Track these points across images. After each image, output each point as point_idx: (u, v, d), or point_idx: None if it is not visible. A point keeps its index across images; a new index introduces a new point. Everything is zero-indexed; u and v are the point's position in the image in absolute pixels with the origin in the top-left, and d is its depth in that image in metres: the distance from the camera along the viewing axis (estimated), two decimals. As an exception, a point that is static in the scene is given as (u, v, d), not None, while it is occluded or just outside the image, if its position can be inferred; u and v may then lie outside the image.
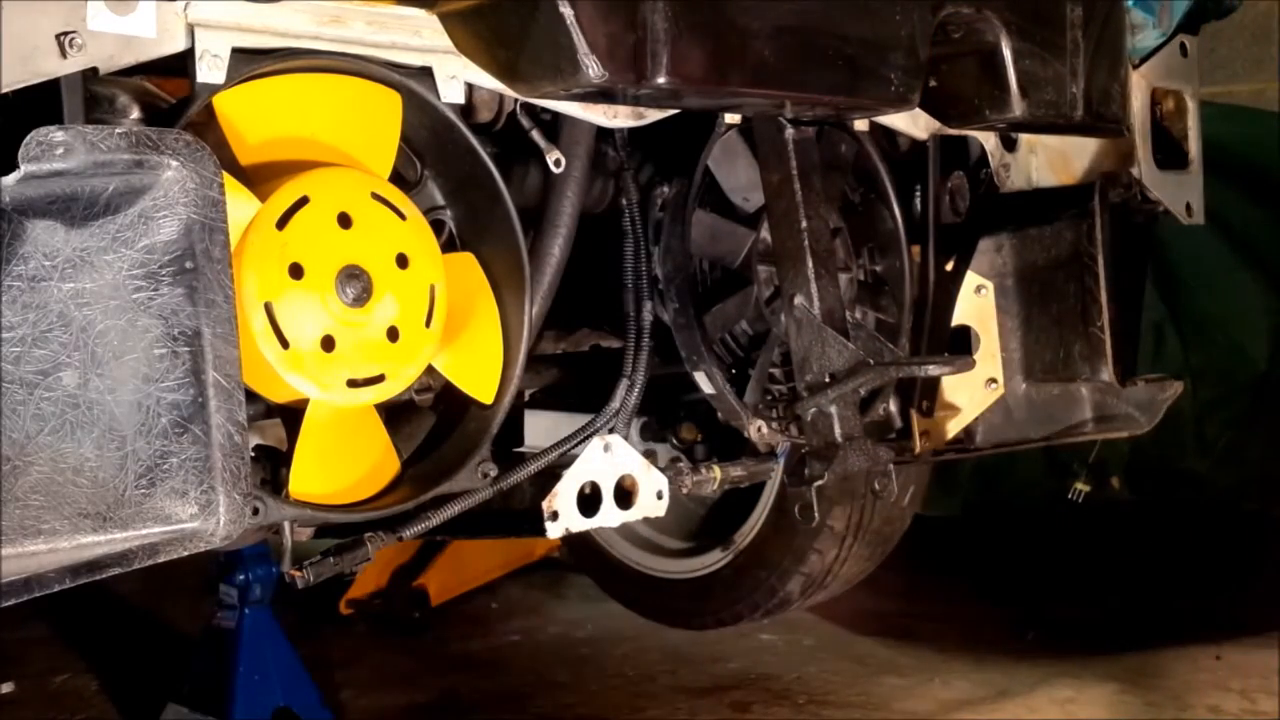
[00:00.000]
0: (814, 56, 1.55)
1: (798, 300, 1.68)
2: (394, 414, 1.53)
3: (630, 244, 1.73)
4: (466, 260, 1.55)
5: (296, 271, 1.34)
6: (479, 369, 1.54)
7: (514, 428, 1.70)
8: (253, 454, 1.38)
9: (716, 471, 1.78)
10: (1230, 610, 3.11)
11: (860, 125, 1.87)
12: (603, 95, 1.51)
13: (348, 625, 3.26)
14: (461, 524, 1.55)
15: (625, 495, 1.66)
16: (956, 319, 2.05)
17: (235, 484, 1.14)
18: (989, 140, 2.02)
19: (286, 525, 1.39)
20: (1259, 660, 2.73)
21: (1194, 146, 2.23)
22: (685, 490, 1.74)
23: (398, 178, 1.49)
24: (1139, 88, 2.12)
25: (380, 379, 1.40)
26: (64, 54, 1.19)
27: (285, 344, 1.33)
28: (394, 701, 2.76)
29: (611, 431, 1.68)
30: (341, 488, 1.44)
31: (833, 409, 1.67)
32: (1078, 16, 1.80)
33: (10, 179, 1.08)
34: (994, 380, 2.08)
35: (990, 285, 2.07)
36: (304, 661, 2.61)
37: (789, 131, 1.70)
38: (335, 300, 1.36)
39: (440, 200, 1.59)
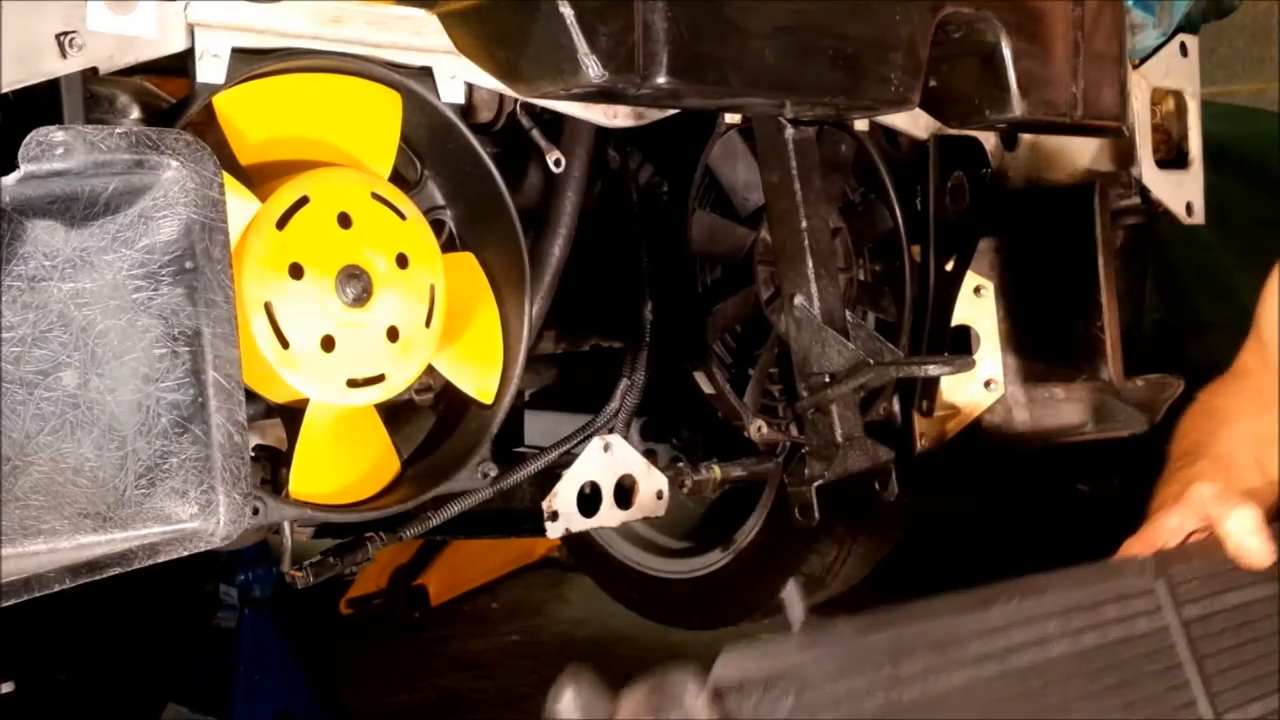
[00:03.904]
0: (814, 57, 1.54)
1: (798, 300, 1.68)
2: (394, 414, 1.53)
3: (630, 244, 1.73)
4: (466, 260, 1.55)
5: (296, 271, 1.34)
6: (479, 369, 1.54)
7: (514, 428, 1.70)
8: (253, 454, 1.38)
9: (716, 471, 1.78)
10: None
11: (860, 125, 1.87)
12: (603, 95, 1.51)
13: (348, 625, 3.26)
14: (461, 524, 1.55)
15: (625, 495, 1.67)
16: (956, 319, 2.05)
17: (235, 484, 1.14)
18: (989, 140, 2.02)
19: (286, 525, 1.39)
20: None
21: (1194, 146, 2.23)
22: (685, 490, 1.74)
23: (398, 178, 1.49)
24: (1139, 88, 2.12)
25: (380, 379, 1.40)
26: (64, 54, 1.19)
27: (285, 344, 1.33)
28: (394, 701, 2.76)
29: (611, 431, 1.68)
30: (341, 488, 1.44)
31: (833, 409, 1.67)
32: (1078, 16, 1.80)
33: (10, 179, 1.08)
34: (993, 380, 2.08)
35: (990, 285, 2.08)
36: (304, 661, 2.61)
37: (789, 131, 1.69)
38: (335, 300, 1.36)
39: (440, 200, 1.59)
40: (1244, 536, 1.48)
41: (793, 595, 1.22)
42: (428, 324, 1.43)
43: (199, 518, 1.14)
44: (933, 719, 1.24)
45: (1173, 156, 2.20)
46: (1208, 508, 1.55)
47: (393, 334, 1.40)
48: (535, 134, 1.59)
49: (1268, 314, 1.95)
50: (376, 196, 1.41)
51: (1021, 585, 1.36)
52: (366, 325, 1.38)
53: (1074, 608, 1.37)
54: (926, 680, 1.24)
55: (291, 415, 1.42)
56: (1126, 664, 1.38)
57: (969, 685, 1.27)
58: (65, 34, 1.19)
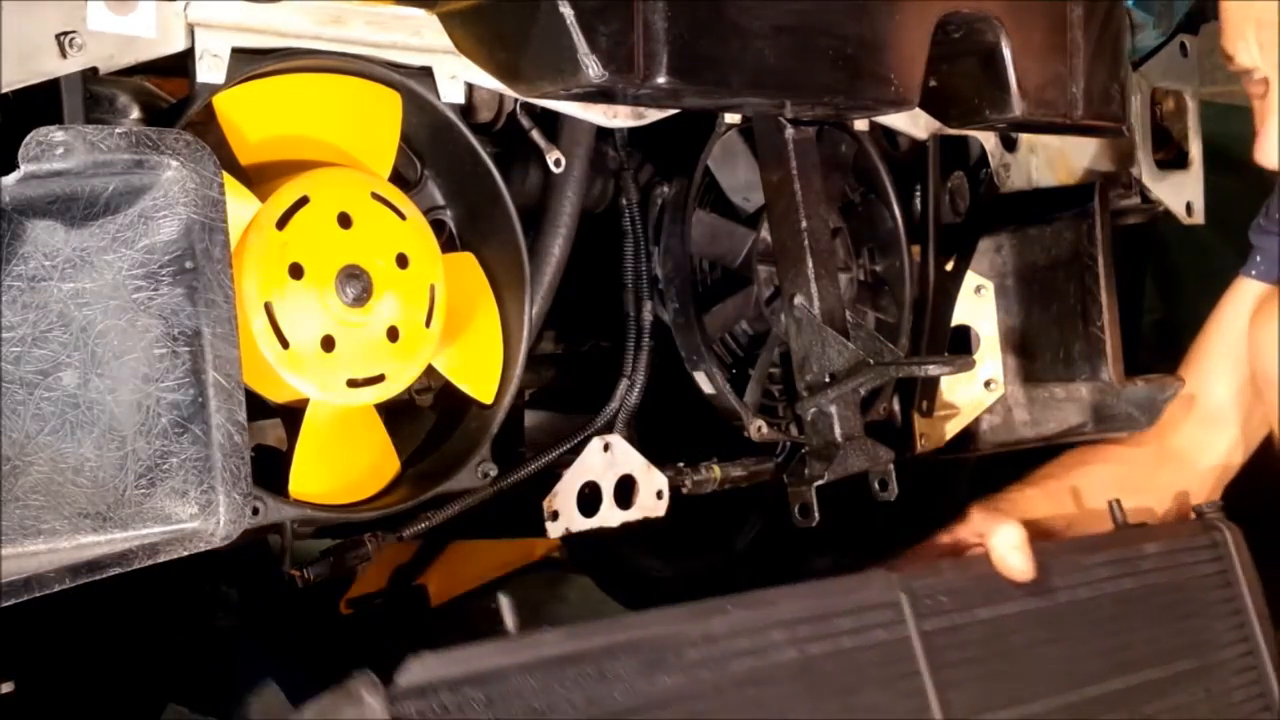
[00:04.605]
0: (814, 57, 1.54)
1: (798, 300, 1.68)
2: (394, 414, 1.53)
3: (630, 244, 1.73)
4: (466, 260, 1.55)
5: (296, 271, 1.34)
6: (479, 369, 1.54)
7: (514, 428, 1.70)
8: (253, 454, 1.38)
9: (716, 471, 1.78)
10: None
11: (860, 125, 1.87)
12: (603, 95, 1.51)
13: (348, 625, 3.25)
14: (462, 524, 1.55)
15: (625, 495, 1.66)
16: (956, 319, 2.05)
17: (235, 484, 1.14)
18: (989, 140, 2.02)
19: (287, 525, 1.39)
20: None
21: (1194, 146, 2.23)
22: (685, 490, 1.74)
23: (398, 178, 1.49)
24: (1139, 88, 2.12)
25: (380, 379, 1.40)
26: (64, 54, 1.19)
27: (285, 344, 1.33)
28: (394, 702, 2.75)
29: (611, 431, 1.68)
30: (341, 487, 1.44)
31: (833, 409, 1.67)
32: (1078, 16, 1.80)
33: (10, 179, 1.08)
34: (993, 380, 2.08)
35: (990, 285, 2.07)
36: (304, 661, 2.61)
37: (789, 131, 1.69)
38: (335, 300, 1.36)
39: (440, 200, 1.59)
40: (1006, 551, 1.61)
41: (506, 605, 1.25)
42: (428, 324, 1.43)
43: (199, 518, 1.14)
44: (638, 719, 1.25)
45: (1173, 156, 2.20)
46: (977, 525, 1.68)
47: (393, 334, 1.40)
48: (535, 134, 1.59)
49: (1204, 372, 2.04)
50: (376, 196, 1.41)
51: (751, 597, 1.41)
52: (366, 325, 1.38)
53: (804, 619, 1.42)
54: (634, 682, 1.27)
55: (291, 415, 1.42)
56: (857, 671, 1.43)
57: (680, 690, 1.30)
58: (65, 34, 1.19)
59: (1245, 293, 2.12)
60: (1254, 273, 2.12)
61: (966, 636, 1.54)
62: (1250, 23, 1.75)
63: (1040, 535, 1.74)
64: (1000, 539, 1.62)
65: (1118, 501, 1.83)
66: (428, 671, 1.17)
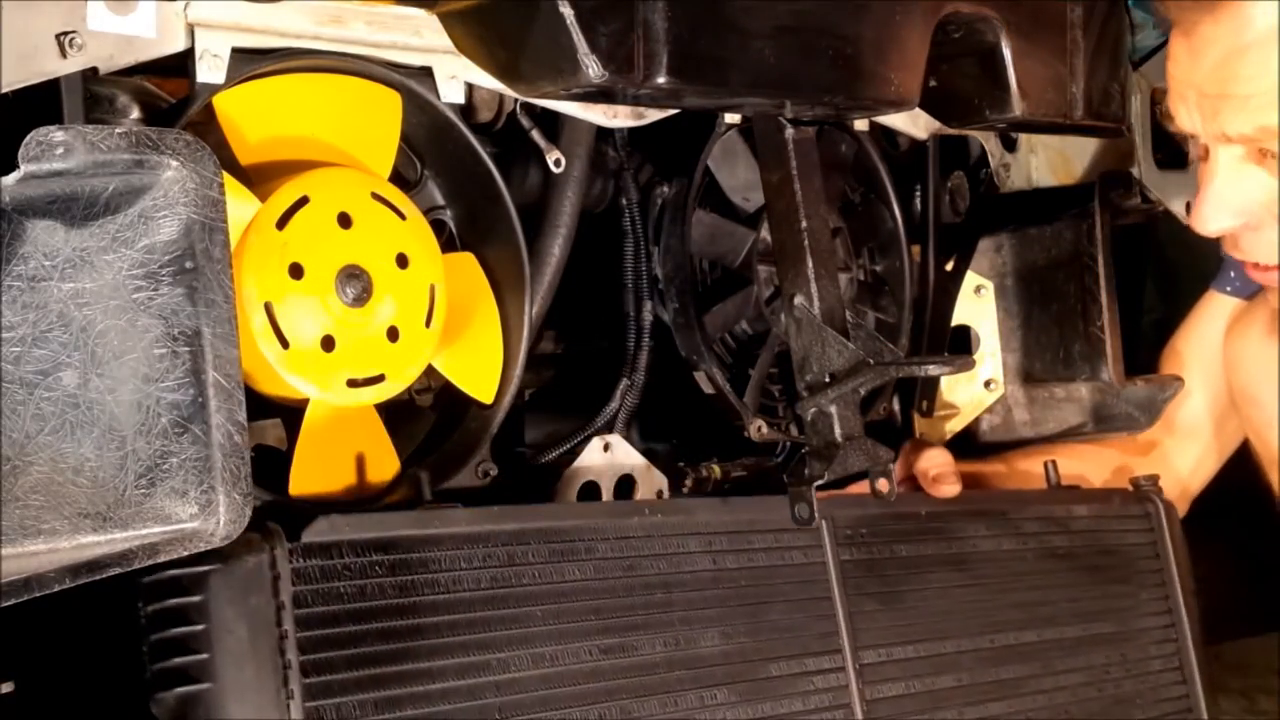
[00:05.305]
0: (814, 57, 1.55)
1: (798, 300, 1.68)
2: (394, 414, 1.53)
3: (630, 244, 1.73)
4: (466, 260, 1.55)
5: (296, 271, 1.34)
6: (479, 369, 1.54)
7: (514, 428, 1.70)
8: (253, 454, 1.38)
9: (716, 471, 1.78)
10: (1230, 609, 3.10)
11: (860, 125, 1.87)
12: (603, 95, 1.51)
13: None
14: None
15: (625, 495, 1.66)
16: (956, 319, 2.05)
17: (235, 484, 1.14)
18: (989, 140, 2.02)
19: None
20: (1259, 660, 2.73)
21: (1194, 147, 2.23)
22: (686, 490, 1.74)
23: (398, 178, 1.49)
24: (1139, 88, 2.12)
25: (380, 379, 1.40)
26: (64, 54, 1.19)
27: (285, 344, 1.33)
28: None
29: (611, 431, 1.68)
30: (341, 487, 1.44)
31: (833, 408, 1.67)
32: (1078, 16, 1.80)
33: (10, 179, 1.08)
34: (993, 380, 2.08)
35: (990, 285, 2.08)
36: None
37: (789, 131, 1.69)
38: (335, 300, 1.36)
39: (440, 200, 1.59)
40: (929, 468, 1.70)
41: (422, 480, 1.31)
42: (428, 324, 1.43)
43: (199, 518, 1.13)
44: (541, 607, 1.28)
45: (1173, 156, 2.20)
46: (907, 455, 1.75)
47: (393, 334, 1.40)
48: (535, 134, 1.59)
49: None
50: (376, 196, 1.41)
51: (670, 504, 1.44)
52: (366, 325, 1.38)
53: (721, 531, 1.44)
54: (541, 570, 1.30)
55: (291, 415, 1.42)
56: (770, 589, 1.46)
57: (587, 583, 1.33)
58: (65, 34, 1.19)
59: (1217, 307, 2.13)
60: (1229, 289, 2.13)
61: (884, 571, 1.58)
62: (1192, 89, 1.64)
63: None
64: (926, 459, 1.68)
65: (1053, 462, 1.85)
66: (334, 531, 1.19)
